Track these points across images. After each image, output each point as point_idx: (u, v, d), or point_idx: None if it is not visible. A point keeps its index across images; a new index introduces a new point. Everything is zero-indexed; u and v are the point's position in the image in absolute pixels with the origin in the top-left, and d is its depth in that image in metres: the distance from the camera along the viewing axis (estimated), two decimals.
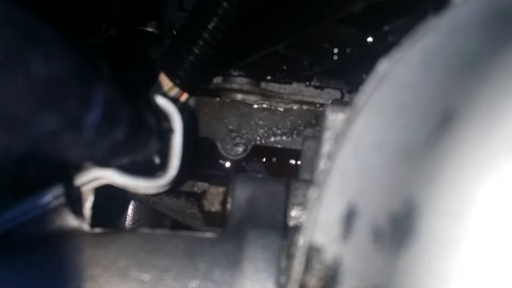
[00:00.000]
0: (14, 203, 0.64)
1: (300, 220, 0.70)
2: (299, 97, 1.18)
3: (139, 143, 0.64)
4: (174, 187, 0.79)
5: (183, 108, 0.83)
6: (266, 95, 1.17)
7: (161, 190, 0.76)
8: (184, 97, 0.91)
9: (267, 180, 0.77)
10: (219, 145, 1.19)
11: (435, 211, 0.43)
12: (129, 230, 1.05)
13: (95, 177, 0.69)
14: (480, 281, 0.40)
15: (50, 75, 0.38)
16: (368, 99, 0.50)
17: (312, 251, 0.50)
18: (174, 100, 0.89)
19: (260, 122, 1.19)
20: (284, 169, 1.32)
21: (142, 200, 0.93)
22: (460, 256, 0.41)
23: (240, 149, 1.19)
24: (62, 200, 0.67)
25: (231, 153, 1.19)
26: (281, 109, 1.19)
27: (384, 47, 0.53)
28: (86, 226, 0.68)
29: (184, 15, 1.04)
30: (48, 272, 0.61)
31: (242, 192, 0.73)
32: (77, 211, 0.69)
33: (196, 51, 0.87)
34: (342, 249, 0.49)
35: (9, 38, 0.34)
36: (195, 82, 0.91)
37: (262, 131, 1.19)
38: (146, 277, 0.61)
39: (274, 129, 1.19)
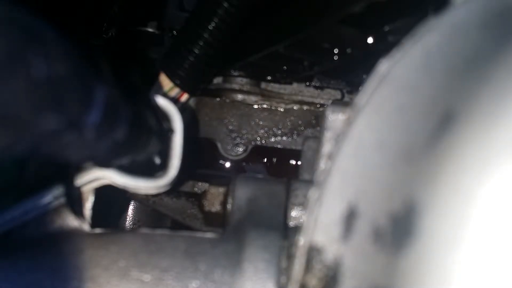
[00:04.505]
0: (14, 203, 0.64)
1: (301, 220, 0.70)
2: (299, 98, 1.18)
3: (139, 144, 0.64)
4: (175, 188, 0.79)
5: (183, 109, 0.82)
6: (266, 95, 1.17)
7: (162, 190, 0.76)
8: (184, 97, 0.91)
9: (268, 181, 0.77)
10: (219, 145, 1.19)
11: (435, 211, 0.43)
12: (129, 230, 1.05)
13: (95, 178, 0.69)
14: (481, 281, 0.40)
15: (50, 76, 0.38)
16: (368, 99, 0.50)
17: (313, 251, 0.50)
18: (175, 101, 0.89)
19: (261, 123, 1.19)
20: (284, 170, 1.31)
21: (143, 200, 0.93)
22: (460, 256, 0.41)
23: (241, 149, 1.19)
24: (62, 200, 0.67)
25: (232, 153, 1.19)
26: (282, 110, 1.19)
27: (384, 48, 0.53)
28: (86, 227, 0.68)
29: (184, 15, 1.04)
30: (48, 272, 0.61)
31: (242, 193, 0.73)
32: (77, 212, 0.69)
33: (196, 51, 0.87)
34: (343, 249, 0.49)
35: (9, 38, 0.34)
36: (196, 82, 0.91)
37: (262, 131, 1.19)
38: (147, 277, 0.61)
39: (275, 129, 1.19)
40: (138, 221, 1.11)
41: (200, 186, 0.97)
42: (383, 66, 0.50)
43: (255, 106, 1.18)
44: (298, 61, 0.98)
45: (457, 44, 0.49)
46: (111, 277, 0.61)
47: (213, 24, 0.85)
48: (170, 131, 0.74)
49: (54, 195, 0.66)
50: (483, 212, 0.41)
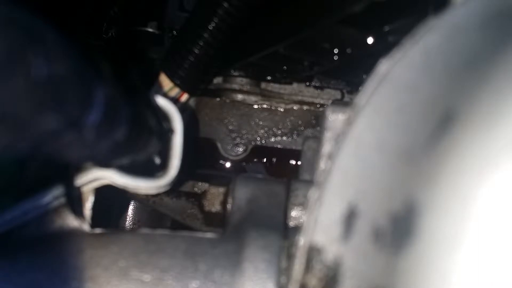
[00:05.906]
0: (14, 203, 0.64)
1: (301, 220, 0.70)
2: (299, 98, 1.18)
3: (139, 144, 0.64)
4: (175, 188, 0.79)
5: (183, 109, 0.82)
6: (266, 95, 1.17)
7: (162, 190, 0.76)
8: (184, 97, 0.91)
9: (268, 181, 0.77)
10: (219, 145, 1.19)
11: (435, 211, 0.43)
12: (129, 230, 1.05)
13: (95, 178, 0.69)
14: (481, 281, 0.40)
15: (50, 75, 0.38)
16: (368, 99, 0.50)
17: (313, 252, 0.50)
18: (175, 101, 0.89)
19: (261, 123, 1.19)
20: (284, 170, 1.31)
21: (143, 200, 0.93)
22: (460, 256, 0.41)
23: (240, 149, 1.19)
24: (62, 200, 0.67)
25: (231, 153, 1.19)
26: (282, 110, 1.19)
27: (384, 48, 0.53)
28: (86, 227, 0.68)
29: (184, 15, 1.04)
30: (48, 273, 0.61)
31: (242, 193, 0.73)
32: (78, 212, 0.69)
33: (196, 51, 0.87)
34: (343, 249, 0.49)
35: (10, 38, 0.34)
36: (196, 83, 0.91)
37: (262, 131, 1.19)
38: (147, 277, 0.61)
39: (275, 129, 1.19)
40: (138, 221, 1.11)
41: (200, 186, 0.96)
42: (383, 66, 0.50)
43: (255, 106, 1.18)
44: (298, 61, 0.98)
45: (457, 44, 0.49)
46: (111, 277, 0.61)
47: (213, 24, 0.85)
48: (170, 131, 0.74)
49: (54, 195, 0.66)
50: (483, 212, 0.41)
